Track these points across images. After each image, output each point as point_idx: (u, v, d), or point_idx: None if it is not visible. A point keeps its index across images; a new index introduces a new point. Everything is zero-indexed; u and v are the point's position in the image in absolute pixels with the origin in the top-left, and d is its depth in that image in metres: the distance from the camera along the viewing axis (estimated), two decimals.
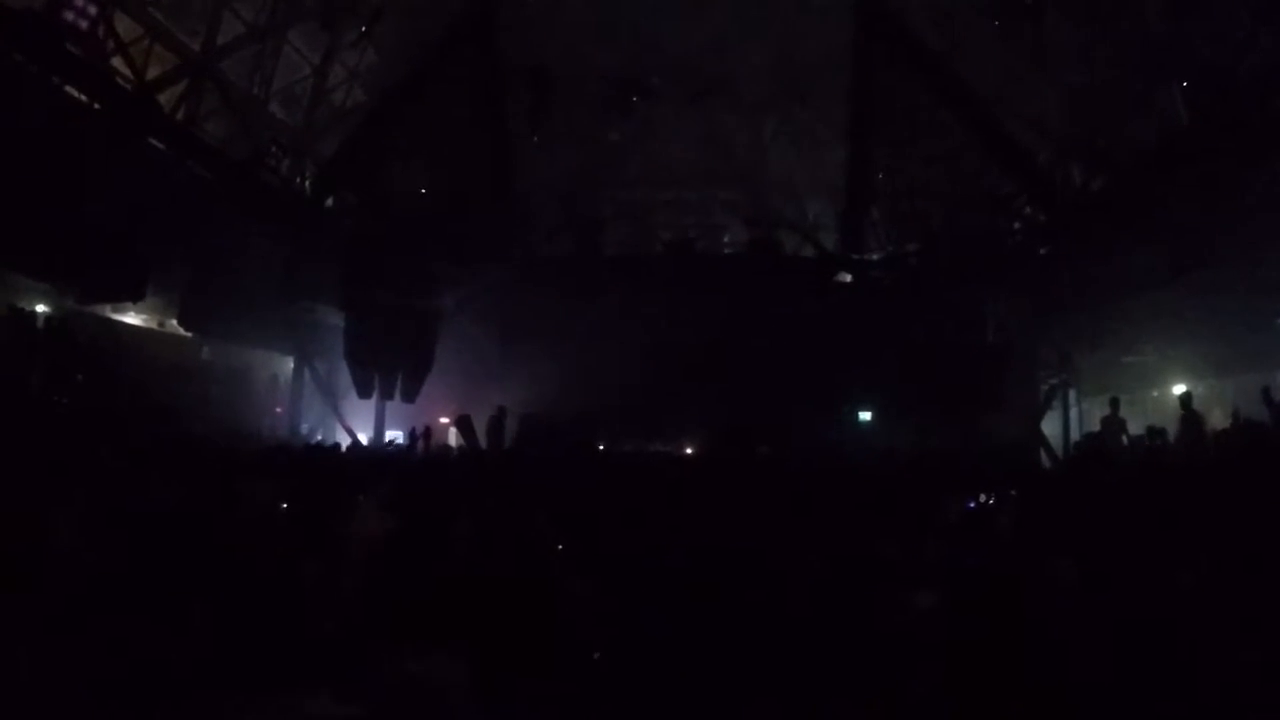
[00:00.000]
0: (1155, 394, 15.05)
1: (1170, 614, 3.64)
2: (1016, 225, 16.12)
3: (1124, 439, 12.13)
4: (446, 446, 13.85)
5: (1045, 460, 14.29)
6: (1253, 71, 11.20)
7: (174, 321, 14.65)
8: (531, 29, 16.62)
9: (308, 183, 16.66)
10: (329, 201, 16.52)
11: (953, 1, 16.27)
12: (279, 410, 17.73)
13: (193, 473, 6.02)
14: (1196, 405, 11.78)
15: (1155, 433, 10.85)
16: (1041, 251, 15.70)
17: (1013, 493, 6.68)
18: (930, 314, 15.92)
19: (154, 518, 4.49)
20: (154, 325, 15.38)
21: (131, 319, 14.79)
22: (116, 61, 13.20)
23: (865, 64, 16.15)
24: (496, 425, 13.20)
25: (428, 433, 12.10)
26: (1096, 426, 14.17)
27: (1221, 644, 3.31)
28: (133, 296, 13.11)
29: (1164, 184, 12.49)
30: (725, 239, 20.10)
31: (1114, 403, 12.62)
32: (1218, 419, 12.00)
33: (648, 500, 6.72)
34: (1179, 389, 13.06)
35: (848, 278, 17.18)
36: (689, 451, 15.09)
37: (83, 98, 11.61)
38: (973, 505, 6.49)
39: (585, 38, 16.76)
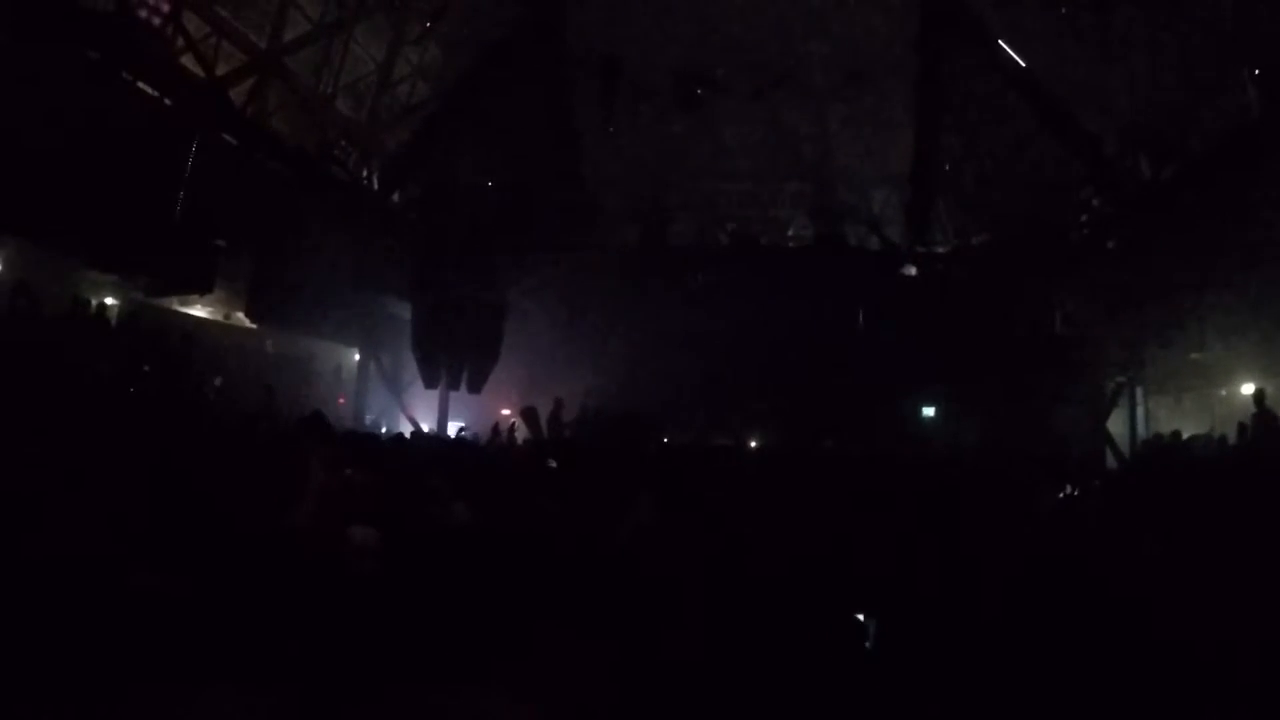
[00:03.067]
0: (1223, 392, 15.36)
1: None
2: (1084, 217, 16.51)
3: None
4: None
5: (1111, 459, 14.79)
6: None
7: (240, 314, 15.30)
8: (597, 21, 17.16)
9: (374, 176, 17.40)
10: (396, 195, 17.28)
11: None
12: (341, 401, 18.45)
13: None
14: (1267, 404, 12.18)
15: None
16: (1110, 244, 16.12)
17: (1096, 483, 7.41)
18: (996, 308, 16.36)
19: None
20: (219, 318, 16.07)
21: (198, 311, 15.52)
22: (186, 59, 13.94)
23: (931, 51, 16.56)
24: (555, 417, 14.06)
25: (512, 427, 13.01)
26: (1161, 426, 14.71)
27: None
28: (201, 289, 13.89)
29: (1235, 175, 12.99)
30: (790, 231, 20.61)
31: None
32: None
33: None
34: (1248, 388, 13.39)
35: (913, 270, 17.70)
36: (753, 445, 15.82)
37: (154, 93, 12.17)
38: (1062, 496, 7.29)
39: (650, 30, 17.29)
